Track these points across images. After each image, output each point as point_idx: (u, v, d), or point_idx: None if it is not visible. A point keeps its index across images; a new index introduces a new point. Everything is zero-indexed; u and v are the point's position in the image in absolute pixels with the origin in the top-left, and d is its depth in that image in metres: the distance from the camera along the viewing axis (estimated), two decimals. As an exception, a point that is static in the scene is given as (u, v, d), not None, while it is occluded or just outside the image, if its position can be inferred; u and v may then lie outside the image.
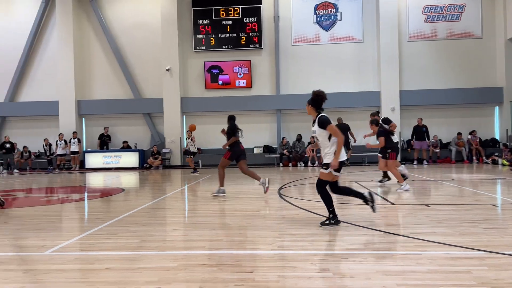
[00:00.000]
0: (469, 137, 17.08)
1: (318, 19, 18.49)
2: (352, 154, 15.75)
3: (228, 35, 18.56)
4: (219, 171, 8.31)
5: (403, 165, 9.85)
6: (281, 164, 17.60)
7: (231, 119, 8.49)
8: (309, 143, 16.91)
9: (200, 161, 17.58)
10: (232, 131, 8.23)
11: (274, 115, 18.41)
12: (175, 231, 5.24)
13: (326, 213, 5.20)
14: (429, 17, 17.99)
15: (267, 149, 18.35)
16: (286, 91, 18.47)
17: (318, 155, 11.20)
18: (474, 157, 16.79)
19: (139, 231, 5.21)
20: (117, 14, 19.15)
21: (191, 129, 14.16)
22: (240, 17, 18.49)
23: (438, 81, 17.83)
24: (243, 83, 18.57)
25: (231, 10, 18.54)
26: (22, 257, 4.24)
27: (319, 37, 18.49)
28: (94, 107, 19.01)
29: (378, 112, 10.88)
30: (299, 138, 17.60)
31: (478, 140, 17.07)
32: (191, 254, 4.16)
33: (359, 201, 5.35)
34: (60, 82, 18.60)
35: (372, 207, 5.28)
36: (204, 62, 18.68)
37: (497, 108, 17.82)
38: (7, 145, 17.66)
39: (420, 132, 16.88)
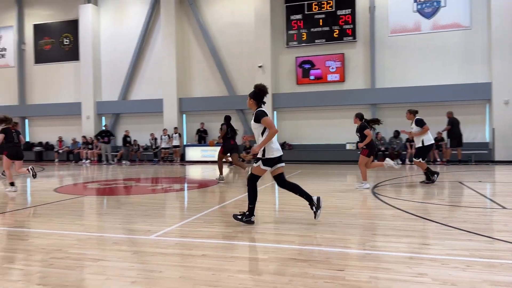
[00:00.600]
0: None
1: (419, 6, 17.24)
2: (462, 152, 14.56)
3: (320, 29, 18.32)
4: (218, 162, 10.58)
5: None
6: (375, 161, 16.81)
7: (227, 119, 10.39)
8: (407, 139, 15.94)
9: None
10: (226, 130, 10.09)
11: (369, 109, 17.66)
12: (266, 224, 5.37)
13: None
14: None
15: (361, 145, 17.69)
16: (382, 84, 17.62)
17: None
18: None
19: (232, 221, 5.44)
20: (214, 15, 20.12)
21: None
22: (334, 9, 18.11)
23: None
24: (336, 77, 18.18)
25: (324, 3, 18.25)
26: (132, 240, 4.72)
27: (419, 26, 17.25)
28: (193, 104, 20.29)
29: (416, 112, 9.85)
30: (396, 134, 16.61)
31: None
32: (282, 248, 4.22)
33: (465, 203, 4.90)
34: (164, 81, 20.24)
35: (315, 213, 5.11)
36: (296, 57, 18.69)
37: None
38: (128, 139, 19.78)
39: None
